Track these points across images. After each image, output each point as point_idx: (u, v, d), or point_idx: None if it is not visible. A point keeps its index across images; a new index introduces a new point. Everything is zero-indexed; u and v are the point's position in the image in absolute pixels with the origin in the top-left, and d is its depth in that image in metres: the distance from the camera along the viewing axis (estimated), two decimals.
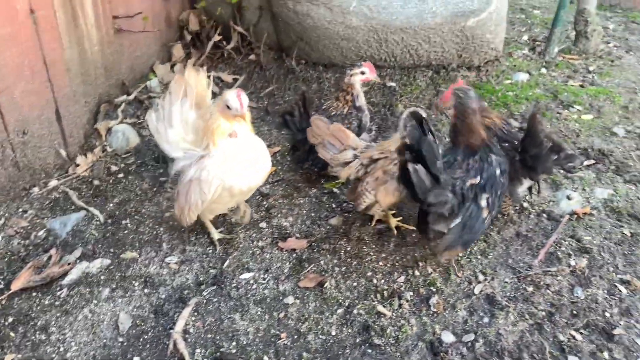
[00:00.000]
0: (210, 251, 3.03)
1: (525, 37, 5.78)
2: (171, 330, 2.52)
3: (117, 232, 3.17)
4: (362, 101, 3.49)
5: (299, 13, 4.31)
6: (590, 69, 5.07)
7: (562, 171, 3.64)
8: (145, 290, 2.78)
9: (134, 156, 3.87)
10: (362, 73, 3.40)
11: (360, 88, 3.47)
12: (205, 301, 2.70)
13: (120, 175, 3.69)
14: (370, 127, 3.67)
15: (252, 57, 4.99)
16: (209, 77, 3.01)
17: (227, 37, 5.01)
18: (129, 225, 3.22)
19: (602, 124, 4.19)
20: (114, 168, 3.76)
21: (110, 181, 3.63)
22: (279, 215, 3.28)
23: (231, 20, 4.84)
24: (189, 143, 2.86)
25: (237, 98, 2.54)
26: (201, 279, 2.85)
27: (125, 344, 2.52)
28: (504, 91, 4.51)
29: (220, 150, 2.67)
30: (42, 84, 3.35)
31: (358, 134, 3.46)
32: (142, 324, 2.60)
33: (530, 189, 3.18)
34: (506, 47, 5.34)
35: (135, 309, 2.67)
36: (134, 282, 2.83)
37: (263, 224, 3.21)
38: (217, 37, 4.90)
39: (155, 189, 3.53)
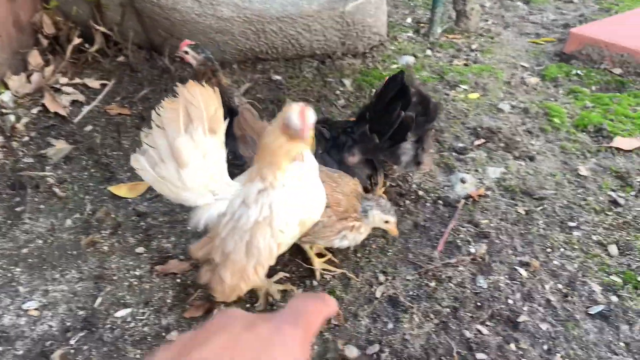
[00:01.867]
0: (79, 289, 2.62)
1: (409, 20, 5.74)
2: None
3: None
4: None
5: (164, 7, 3.91)
6: (473, 47, 5.10)
7: (454, 154, 3.58)
8: None
9: None
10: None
11: None
12: (73, 351, 2.30)
13: None
14: None
15: (121, 59, 4.51)
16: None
17: (90, 38, 4.49)
18: None
19: (488, 101, 4.19)
20: None
21: None
22: (160, 236, 2.92)
23: (91, 19, 4.33)
24: (218, 181, 2.20)
25: (299, 115, 1.89)
26: (68, 324, 2.44)
27: None
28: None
29: (287, 177, 2.08)
30: None
31: None
32: None
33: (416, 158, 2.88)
34: (391, 31, 5.26)
35: None
36: None
37: (140, 249, 2.83)
38: (77, 40, 4.37)
39: (10, 221, 3.03)
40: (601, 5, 6.23)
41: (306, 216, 2.17)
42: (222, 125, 2.18)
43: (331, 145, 2.80)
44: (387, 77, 2.76)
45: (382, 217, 2.50)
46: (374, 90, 4.22)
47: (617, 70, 4.52)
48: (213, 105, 2.12)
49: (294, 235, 2.22)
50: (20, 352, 2.30)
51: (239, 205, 2.13)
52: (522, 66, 4.76)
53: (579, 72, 4.56)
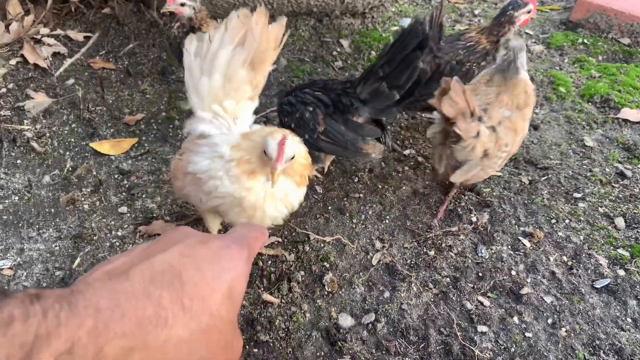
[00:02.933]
0: (57, 248, 2.45)
1: None
2: None
3: None
4: None
5: None
6: (476, 12, 4.90)
7: None
8: None
9: None
10: None
11: None
12: None
13: None
14: None
15: (106, 10, 4.25)
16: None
17: None
18: None
19: None
20: None
21: None
22: (144, 196, 2.75)
23: None
24: (226, 111, 2.08)
25: (278, 146, 1.75)
26: (44, 284, 2.28)
27: None
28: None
29: (247, 183, 1.90)
30: None
31: None
32: None
33: None
34: None
35: None
36: None
37: (123, 208, 2.66)
38: None
39: None
40: None
41: (220, 207, 2.04)
42: (265, 68, 2.08)
43: (332, 110, 2.60)
44: (403, 29, 2.54)
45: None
46: (372, 52, 4.03)
47: (626, 40, 4.35)
48: (267, 43, 2.02)
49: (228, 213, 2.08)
50: None
51: (211, 145, 2.01)
52: (527, 33, 4.57)
53: (585, 40, 4.39)
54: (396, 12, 4.63)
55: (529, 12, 2.99)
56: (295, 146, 1.81)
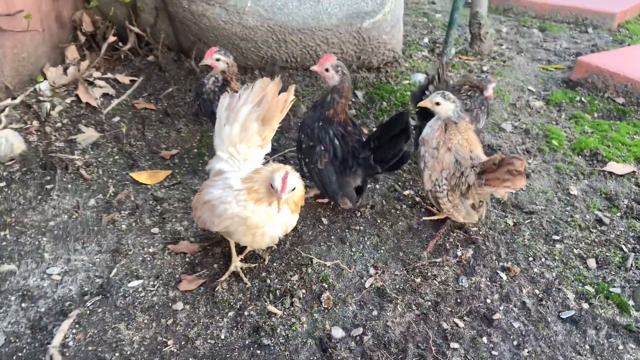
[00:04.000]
0: (98, 260, 2.89)
1: (425, 40, 6.00)
2: (48, 345, 2.38)
3: None
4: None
5: (194, 13, 4.22)
6: (484, 69, 5.33)
7: None
8: (23, 305, 2.60)
9: (18, 163, 3.62)
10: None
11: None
12: (88, 312, 2.58)
13: (2, 184, 3.44)
14: None
15: (150, 58, 4.84)
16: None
17: (124, 37, 4.84)
18: (8, 236, 3.01)
19: (492, 120, 4.40)
20: None
21: None
22: (174, 220, 3.19)
23: (126, 20, 4.68)
24: (239, 153, 2.67)
25: (282, 180, 2.24)
26: (86, 289, 2.71)
27: None
28: (403, 91, 4.65)
29: (250, 204, 2.40)
30: None
31: None
32: (17, 340, 2.43)
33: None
34: (407, 49, 5.52)
35: (9, 325, 2.50)
36: (10, 296, 2.64)
37: (155, 229, 3.10)
38: (112, 38, 4.71)
39: (40, 197, 3.33)
40: (615, 37, 6.42)
41: (223, 223, 2.52)
42: (272, 124, 2.70)
43: (338, 164, 3.09)
44: (395, 113, 3.17)
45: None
46: (384, 103, 4.47)
47: (620, 100, 4.71)
48: (276, 106, 2.67)
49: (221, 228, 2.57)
50: (42, 310, 2.58)
51: (223, 179, 2.55)
52: (529, 90, 4.97)
53: (583, 99, 4.76)
54: (409, 67, 5.09)
55: (493, 88, 3.66)
56: (295, 180, 2.31)
